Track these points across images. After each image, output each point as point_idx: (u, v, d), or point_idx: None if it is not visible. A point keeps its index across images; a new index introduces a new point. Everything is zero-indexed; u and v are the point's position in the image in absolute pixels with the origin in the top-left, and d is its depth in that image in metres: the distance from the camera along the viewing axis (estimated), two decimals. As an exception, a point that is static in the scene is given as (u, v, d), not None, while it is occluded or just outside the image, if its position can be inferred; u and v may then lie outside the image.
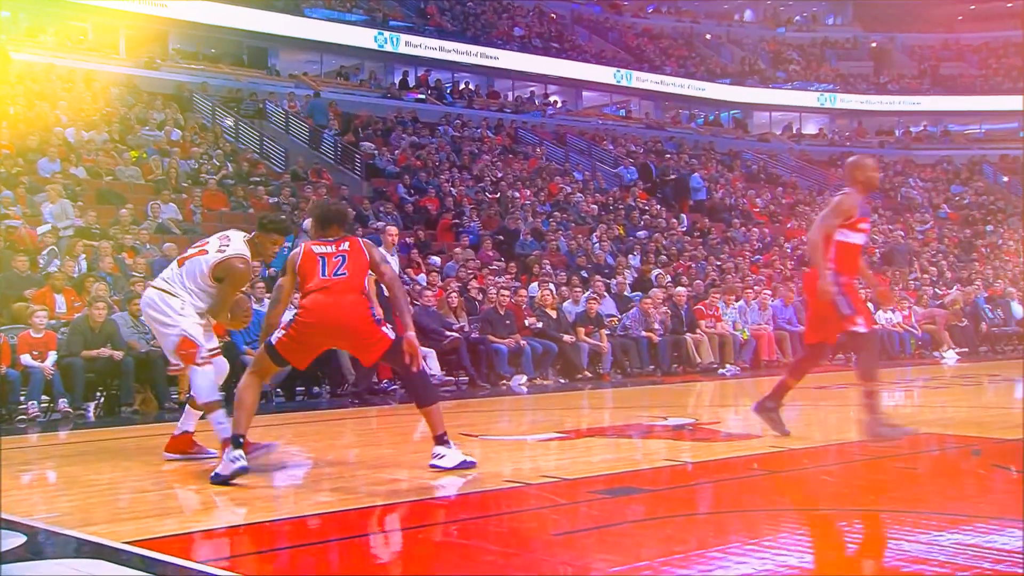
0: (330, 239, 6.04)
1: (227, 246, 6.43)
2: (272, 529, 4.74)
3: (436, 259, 15.84)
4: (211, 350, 6.46)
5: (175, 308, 6.32)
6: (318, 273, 5.82)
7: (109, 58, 25.55)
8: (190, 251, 6.56)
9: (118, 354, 9.98)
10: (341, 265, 5.87)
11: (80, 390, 9.90)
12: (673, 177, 25.87)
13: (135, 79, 23.25)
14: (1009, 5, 44.10)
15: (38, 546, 4.33)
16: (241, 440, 5.70)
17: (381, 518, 4.96)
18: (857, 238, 7.07)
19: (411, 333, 5.77)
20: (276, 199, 17.70)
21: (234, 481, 5.55)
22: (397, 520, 4.99)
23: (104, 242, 12.95)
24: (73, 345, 10.00)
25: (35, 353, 9.86)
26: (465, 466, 5.84)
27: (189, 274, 6.38)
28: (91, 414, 9.90)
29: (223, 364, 6.72)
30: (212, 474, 5.68)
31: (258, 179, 18.66)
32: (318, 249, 5.94)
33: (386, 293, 6.70)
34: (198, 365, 6.33)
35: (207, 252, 6.42)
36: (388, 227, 12.13)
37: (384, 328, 5.84)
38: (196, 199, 16.38)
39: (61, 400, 9.74)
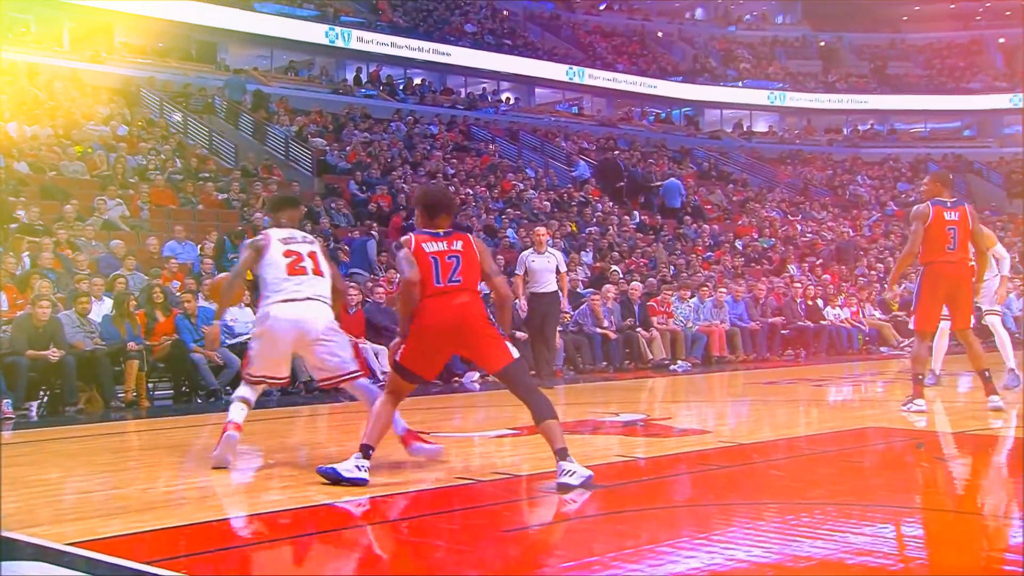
0: (440, 232, 5.59)
1: (310, 238, 6.49)
2: (219, 528, 4.68)
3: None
4: None
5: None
6: (432, 280, 5.44)
7: (53, 51, 25.08)
8: (309, 260, 6.23)
9: (56, 353, 9.74)
10: (455, 270, 5.48)
11: (23, 390, 9.70)
12: (657, 184, 25.86)
13: (80, 73, 22.83)
14: (952, 7, 44.93)
15: (-22, 549, 4.23)
16: (371, 451, 5.48)
17: (331, 516, 4.92)
18: None
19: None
20: (225, 195, 17.51)
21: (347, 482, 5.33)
22: (347, 518, 4.95)
23: (47, 238, 12.69)
24: (16, 344, 9.78)
25: (-24, 352, 9.65)
26: (587, 482, 5.17)
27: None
28: (34, 414, 9.71)
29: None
30: (329, 469, 5.43)
31: (207, 175, 18.42)
32: (429, 248, 5.50)
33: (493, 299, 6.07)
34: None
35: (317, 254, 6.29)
36: (538, 227, 12.81)
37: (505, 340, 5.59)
38: (144, 195, 16.13)
39: (4, 400, 9.53)
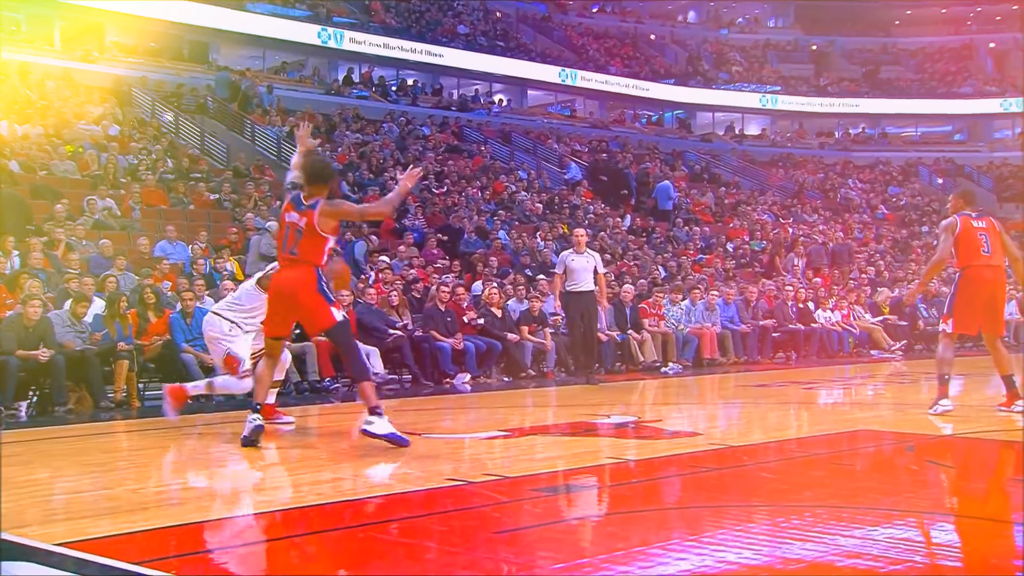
0: (304, 205, 6.50)
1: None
2: (209, 529, 4.67)
3: (385, 258, 15.78)
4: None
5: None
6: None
7: (44, 50, 25.01)
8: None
9: (46, 354, 9.69)
10: (297, 242, 6.43)
11: (12, 389, 9.66)
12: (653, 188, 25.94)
13: (71, 72, 22.78)
14: (943, 11, 45.12)
15: (-34, 549, 4.21)
16: (258, 407, 6.79)
17: (323, 516, 4.91)
18: None
19: None
20: (217, 195, 17.47)
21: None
22: (339, 518, 4.94)
23: (37, 238, 12.65)
24: (6, 343, 9.73)
25: (-35, 351, 9.61)
26: (395, 439, 6.27)
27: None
28: (23, 414, 9.67)
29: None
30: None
31: (199, 175, 18.40)
32: (288, 217, 6.48)
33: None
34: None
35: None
36: (577, 229, 13.77)
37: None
38: (135, 195, 16.08)
39: (-7, 400, 9.50)
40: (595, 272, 12.32)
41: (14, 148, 16.48)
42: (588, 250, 12.65)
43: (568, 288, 12.31)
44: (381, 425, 6.41)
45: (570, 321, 12.70)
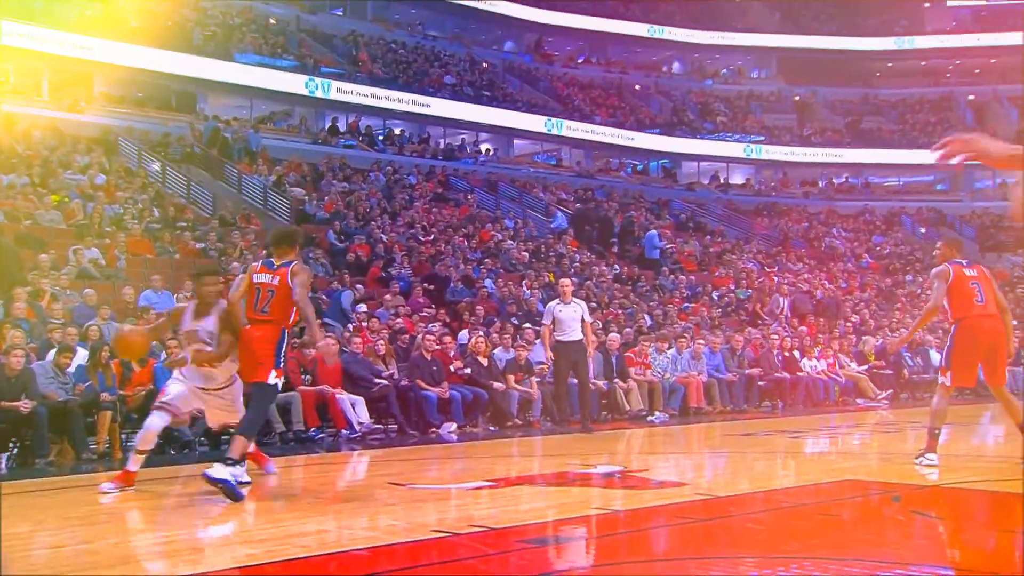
0: (274, 265, 7.01)
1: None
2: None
3: (362, 306, 15.76)
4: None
5: None
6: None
7: (32, 100, 25.11)
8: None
9: (26, 404, 9.59)
10: (268, 301, 6.96)
11: (-7, 440, 9.56)
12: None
13: (58, 122, 22.86)
14: (923, 63, 45.85)
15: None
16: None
17: (307, 569, 4.86)
18: None
19: None
20: (203, 244, 17.46)
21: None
22: (324, 571, 4.89)
23: (20, 288, 12.58)
24: (-13, 393, 9.66)
25: (-53, 402, 9.51)
26: (228, 487, 6.42)
27: None
28: (3, 466, 9.56)
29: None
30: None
31: (184, 224, 18.40)
32: (257, 278, 6.95)
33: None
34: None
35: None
36: (563, 279, 14.16)
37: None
38: (120, 244, 16.07)
39: (-26, 451, 9.40)
40: (582, 321, 12.42)
41: (0, 198, 16.47)
42: (575, 299, 12.75)
43: (557, 338, 12.42)
44: (220, 470, 6.53)
45: (557, 371, 12.76)
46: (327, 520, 6.08)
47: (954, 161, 3.21)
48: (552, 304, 12.84)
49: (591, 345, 12.84)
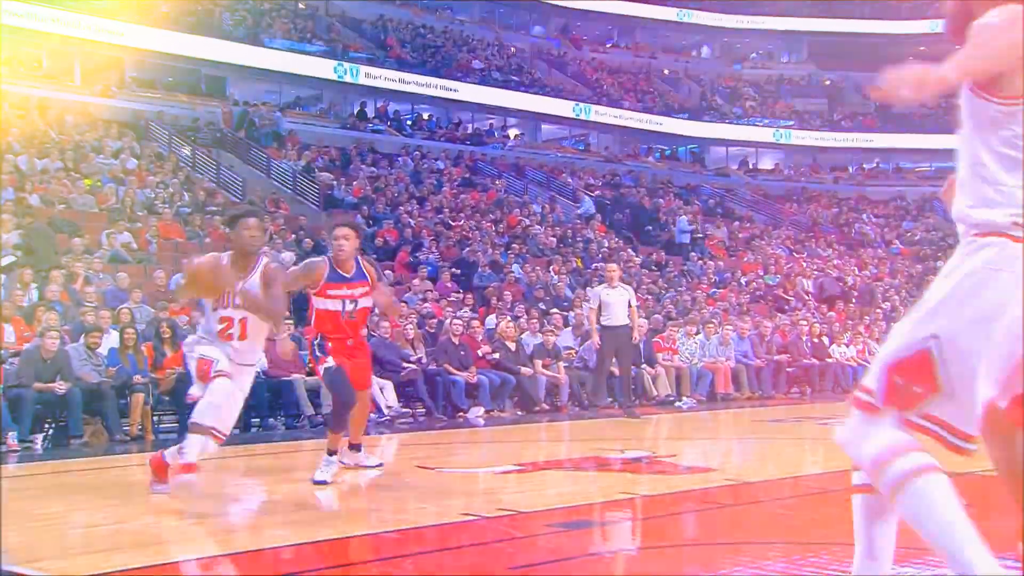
0: None
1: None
2: (224, 563, 4.67)
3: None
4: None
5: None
6: None
7: (64, 85, 25.32)
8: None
9: (62, 386, 9.76)
10: None
11: (28, 422, 9.70)
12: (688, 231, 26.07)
13: (90, 107, 23.04)
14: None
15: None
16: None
17: (335, 552, 4.91)
18: None
19: None
20: (233, 229, 17.55)
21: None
22: (352, 554, 4.94)
23: (56, 271, 12.75)
24: (24, 376, 9.80)
25: (-17, 383, 9.67)
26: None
27: None
28: (39, 447, 9.71)
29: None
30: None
31: (215, 208, 18.53)
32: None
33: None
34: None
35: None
36: (609, 264, 14.08)
37: None
38: (152, 228, 16.22)
39: (10, 433, 9.53)
40: (629, 306, 12.36)
41: (34, 182, 16.66)
42: (621, 284, 12.70)
43: (602, 323, 12.37)
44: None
45: (600, 356, 12.72)
46: (357, 502, 6.13)
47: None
48: (599, 289, 12.83)
49: (636, 330, 12.73)
